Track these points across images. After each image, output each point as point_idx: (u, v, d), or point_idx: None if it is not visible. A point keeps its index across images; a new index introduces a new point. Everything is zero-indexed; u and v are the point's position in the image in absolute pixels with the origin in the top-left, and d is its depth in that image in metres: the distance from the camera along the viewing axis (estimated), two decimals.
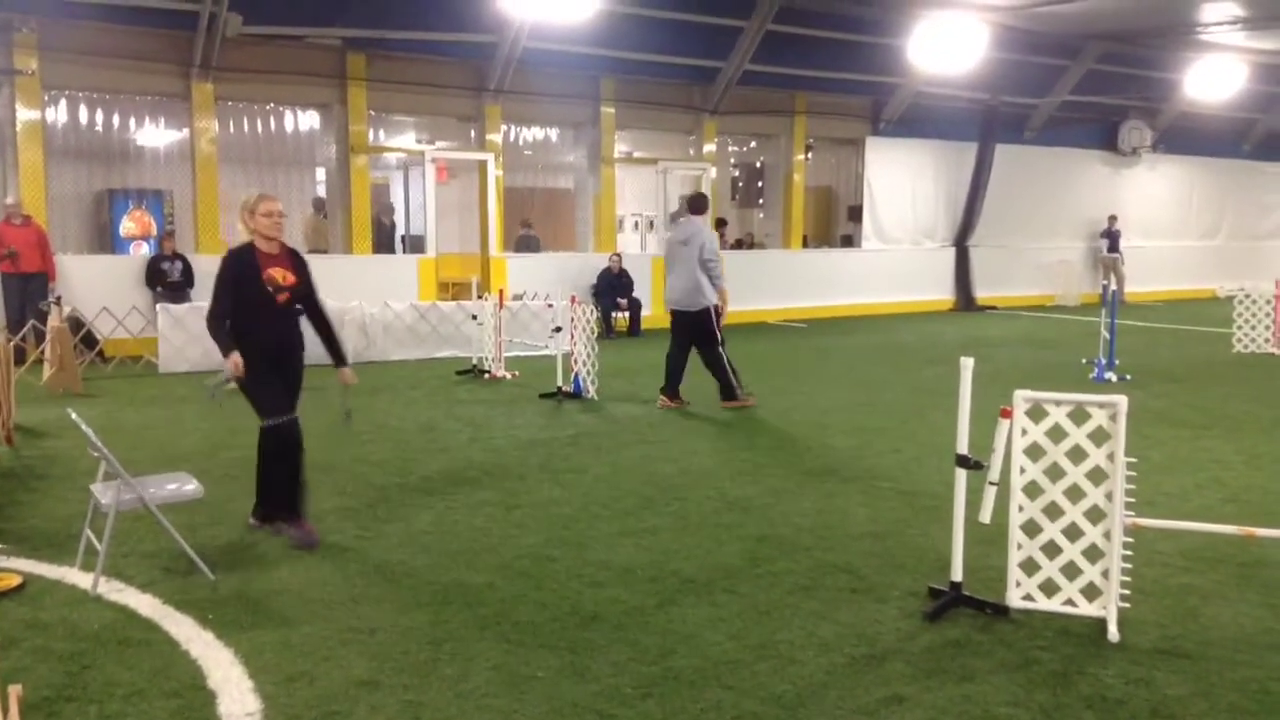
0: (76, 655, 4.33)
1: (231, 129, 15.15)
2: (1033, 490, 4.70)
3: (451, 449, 8.27)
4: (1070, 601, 4.67)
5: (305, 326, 6.04)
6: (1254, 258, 25.29)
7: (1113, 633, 4.50)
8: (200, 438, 8.64)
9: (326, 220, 16.27)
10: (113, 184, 14.76)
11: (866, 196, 20.29)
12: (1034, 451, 4.67)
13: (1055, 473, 4.65)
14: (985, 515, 4.67)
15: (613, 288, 16.61)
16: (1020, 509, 4.71)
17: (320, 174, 16.64)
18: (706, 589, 5.12)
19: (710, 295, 9.83)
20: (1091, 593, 4.64)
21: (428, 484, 7.16)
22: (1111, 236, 22.78)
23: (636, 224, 20.84)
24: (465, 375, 12.14)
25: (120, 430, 8.80)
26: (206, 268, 13.61)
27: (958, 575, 4.83)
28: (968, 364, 4.68)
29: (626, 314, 16.70)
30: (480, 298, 12.86)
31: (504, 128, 16.81)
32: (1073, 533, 4.65)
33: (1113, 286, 13.57)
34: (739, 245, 20.12)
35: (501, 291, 12.68)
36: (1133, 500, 4.60)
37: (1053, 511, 4.68)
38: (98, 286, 13.10)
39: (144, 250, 14.54)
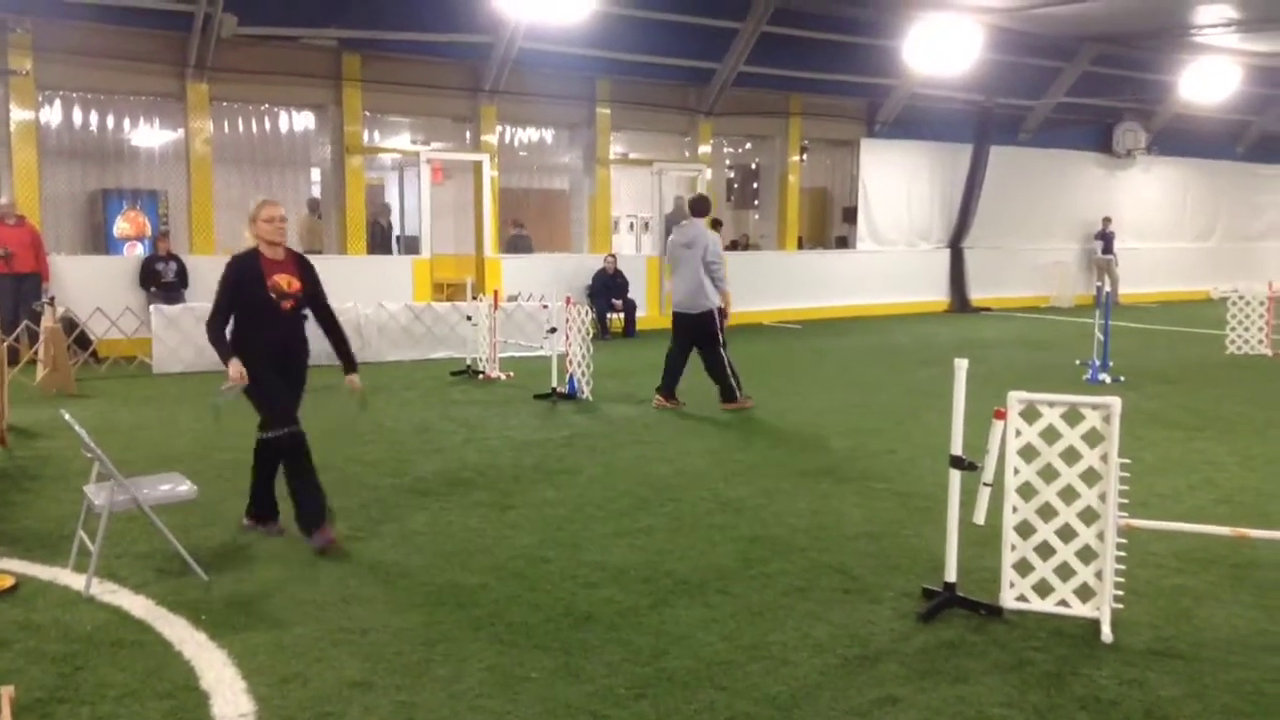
0: (69, 656, 4.32)
1: (226, 129, 15.12)
2: (1026, 491, 4.71)
3: (446, 450, 8.26)
4: (1064, 602, 4.68)
5: (311, 332, 5.97)
6: (1247, 259, 25.36)
7: (1106, 633, 4.50)
8: (193, 439, 8.63)
9: (321, 221, 16.25)
10: (107, 184, 14.73)
11: (861, 198, 20.31)
12: (1028, 452, 4.67)
13: (1049, 474, 4.65)
14: (979, 516, 4.68)
15: (608, 289, 16.61)
16: (1014, 510, 4.71)
17: (315, 175, 16.62)
18: (700, 590, 5.12)
19: (714, 297, 9.85)
20: (1085, 593, 4.64)
21: (422, 484, 7.15)
22: (1106, 238, 22.82)
23: (631, 225, 20.84)
24: (460, 376, 12.13)
25: (114, 431, 8.78)
26: (201, 268, 13.65)
27: (952, 576, 4.84)
28: (962, 365, 4.69)
29: (621, 315, 16.70)
30: (475, 298, 12.85)
31: (499, 128, 16.80)
32: (1066, 534, 4.65)
33: (1107, 288, 13.58)
34: (734, 246, 20.09)
35: (496, 292, 12.67)
36: (1126, 501, 4.60)
37: (1046, 512, 4.69)
38: (92, 287, 13.07)
39: (138, 251, 14.51)
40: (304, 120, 15.81)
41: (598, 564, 5.49)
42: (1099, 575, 4.58)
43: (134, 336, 12.60)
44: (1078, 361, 12.78)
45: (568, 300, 10.88)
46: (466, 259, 16.86)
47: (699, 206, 10.29)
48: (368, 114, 15.73)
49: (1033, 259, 22.42)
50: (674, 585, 5.19)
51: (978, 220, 21.25)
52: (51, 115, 13.99)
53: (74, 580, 5.19)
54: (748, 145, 20.67)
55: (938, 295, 21.40)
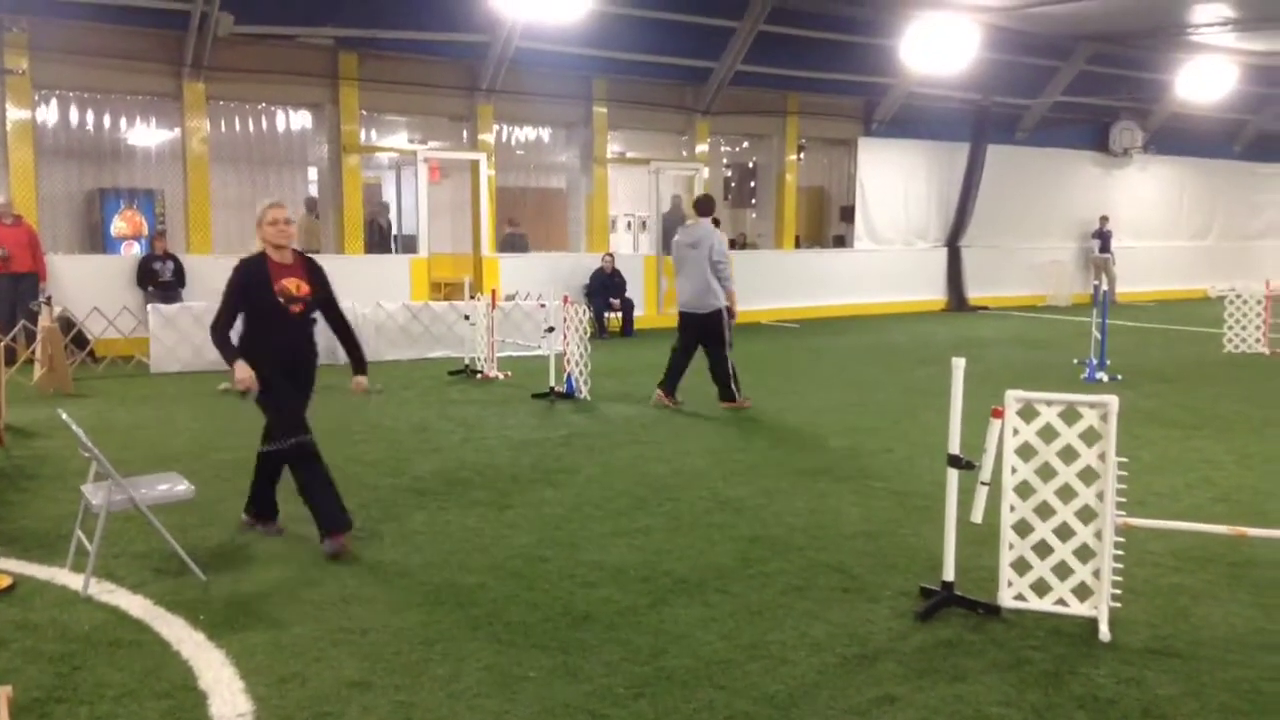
0: (67, 656, 4.31)
1: (223, 128, 15.12)
2: (1024, 490, 4.71)
3: (444, 449, 8.26)
4: (1062, 601, 4.68)
5: (320, 335, 5.88)
6: (1244, 258, 25.39)
7: (1104, 632, 4.51)
8: (191, 438, 8.62)
9: (319, 220, 16.24)
10: (104, 184, 14.72)
11: (859, 197, 20.32)
12: (1025, 451, 4.67)
13: (1046, 472, 4.66)
14: (977, 515, 4.68)
15: (605, 288, 16.61)
16: (1012, 509, 4.72)
17: (312, 174, 16.62)
18: (699, 589, 5.13)
19: (721, 297, 9.86)
20: (1083, 592, 4.65)
21: (420, 484, 7.15)
22: (1103, 237, 22.85)
23: (629, 224, 20.84)
24: (458, 375, 12.12)
25: (111, 430, 8.77)
26: (198, 268, 13.65)
27: (949, 575, 4.84)
28: (959, 364, 4.69)
29: (619, 314, 16.70)
30: (473, 298, 12.85)
31: (496, 127, 16.80)
32: (1064, 532, 4.66)
33: (1104, 287, 13.57)
34: (731, 246, 20.02)
35: (494, 291, 12.66)
36: (1124, 500, 4.61)
37: (1044, 511, 4.69)
38: (89, 286, 13.05)
39: (135, 250, 14.49)
40: (301, 119, 15.81)
41: (596, 563, 5.49)
42: (1097, 574, 4.59)
43: (131, 336, 12.59)
44: (1075, 360, 12.80)
45: (565, 299, 10.88)
46: (464, 258, 16.85)
47: (704, 206, 10.29)
48: (364, 113, 15.72)
49: (1030, 258, 22.44)
50: (672, 584, 5.19)
51: (975, 219, 21.27)
52: (48, 114, 13.99)
53: (72, 580, 5.18)
54: (745, 144, 20.68)
55: (935, 294, 21.42)
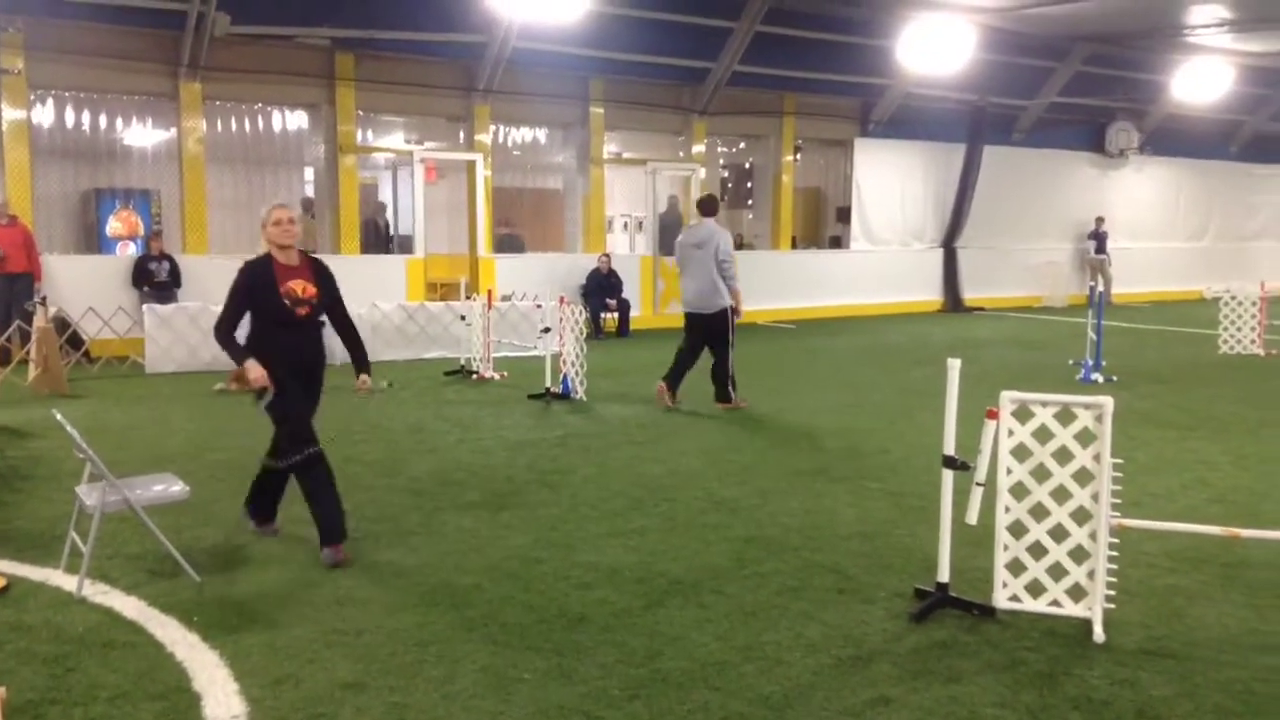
0: (61, 658, 4.31)
1: (219, 129, 15.11)
2: (1019, 491, 4.72)
3: (440, 450, 8.26)
4: (1056, 602, 4.68)
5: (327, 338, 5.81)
6: (1240, 259, 25.42)
7: (1098, 633, 4.51)
8: (186, 439, 8.61)
9: (315, 220, 16.22)
10: (99, 184, 14.70)
11: (855, 197, 20.33)
12: (1020, 452, 4.68)
13: (1042, 474, 4.66)
14: (972, 516, 4.68)
15: (601, 288, 16.61)
16: (1007, 510, 4.72)
17: (309, 174, 16.60)
18: (694, 590, 5.13)
19: (727, 296, 9.87)
20: (1077, 593, 4.65)
21: (415, 485, 7.14)
22: (1099, 238, 22.87)
23: (625, 225, 20.84)
24: (453, 376, 12.12)
25: (106, 431, 8.76)
26: (193, 268, 13.63)
27: (944, 576, 4.84)
28: (955, 365, 4.70)
29: (615, 315, 16.70)
30: (469, 298, 12.84)
31: (493, 128, 16.79)
32: (1059, 533, 4.66)
33: (1100, 288, 13.62)
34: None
35: (490, 292, 12.66)
36: (1119, 501, 4.61)
37: (1039, 512, 4.70)
38: (84, 287, 13.04)
39: (131, 250, 14.48)
40: (297, 119, 15.80)
41: (591, 565, 5.49)
42: (1091, 575, 4.59)
43: (126, 336, 12.58)
44: (1071, 361, 12.81)
45: (562, 300, 10.88)
46: (460, 258, 16.85)
47: (707, 206, 10.30)
48: (361, 113, 15.71)
49: (1026, 259, 22.46)
50: (668, 586, 5.19)
51: (971, 220, 21.28)
52: (44, 114, 13.97)
53: (66, 581, 5.17)
54: (742, 145, 20.68)
55: (931, 295, 21.43)
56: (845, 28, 17.76)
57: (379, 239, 17.54)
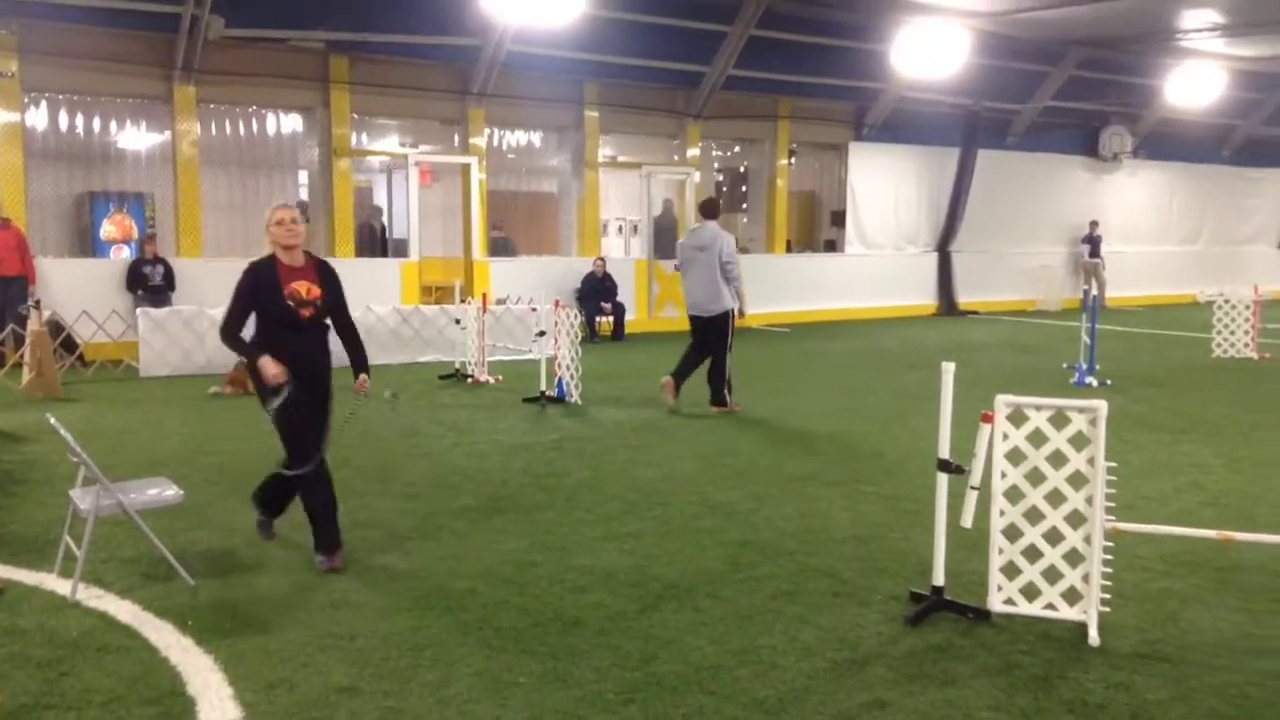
0: (55, 662, 4.29)
1: (213, 132, 15.08)
2: (1014, 495, 4.72)
3: (434, 454, 8.25)
4: (1051, 606, 4.69)
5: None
6: (1233, 263, 25.48)
7: (1093, 637, 4.52)
8: (180, 442, 8.59)
9: (309, 223, 16.20)
10: (93, 187, 14.67)
11: (849, 201, 20.35)
12: (1015, 456, 4.68)
13: (1036, 477, 4.67)
14: (966, 519, 4.69)
15: (596, 292, 16.60)
16: (1001, 513, 4.73)
17: (303, 177, 16.58)
18: (689, 594, 5.12)
19: (730, 298, 9.88)
20: (1072, 597, 4.66)
21: (410, 489, 7.13)
22: (1093, 242, 22.92)
23: (620, 228, 20.83)
24: (448, 380, 12.10)
25: (100, 435, 8.73)
26: (188, 271, 13.60)
27: (939, 579, 4.84)
28: (949, 369, 4.70)
29: (610, 318, 16.69)
30: (463, 301, 12.83)
31: (487, 131, 16.79)
32: (1053, 537, 4.67)
33: (1094, 291, 13.63)
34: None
35: (485, 295, 12.65)
36: (1113, 505, 4.62)
37: (1033, 516, 4.70)
38: (78, 290, 13.01)
39: (125, 254, 14.45)
40: (291, 123, 15.77)
41: (586, 568, 5.49)
42: (1086, 578, 4.60)
43: (120, 340, 12.53)
44: (1065, 365, 12.82)
45: (556, 303, 10.88)
46: (455, 262, 16.83)
47: (709, 209, 10.32)
48: (355, 116, 15.70)
49: (1020, 262, 22.50)
50: (663, 589, 5.19)
51: (965, 224, 21.31)
52: (37, 117, 13.94)
53: (59, 585, 5.16)
54: (736, 148, 20.70)
55: (925, 299, 21.45)
56: (839, 32, 17.80)
57: (375, 243, 17.53)
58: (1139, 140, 23.65)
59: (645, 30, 16.29)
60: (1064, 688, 4.10)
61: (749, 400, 10.34)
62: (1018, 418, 4.65)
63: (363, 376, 5.72)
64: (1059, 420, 4.61)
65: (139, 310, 12.57)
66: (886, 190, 20.67)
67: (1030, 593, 4.73)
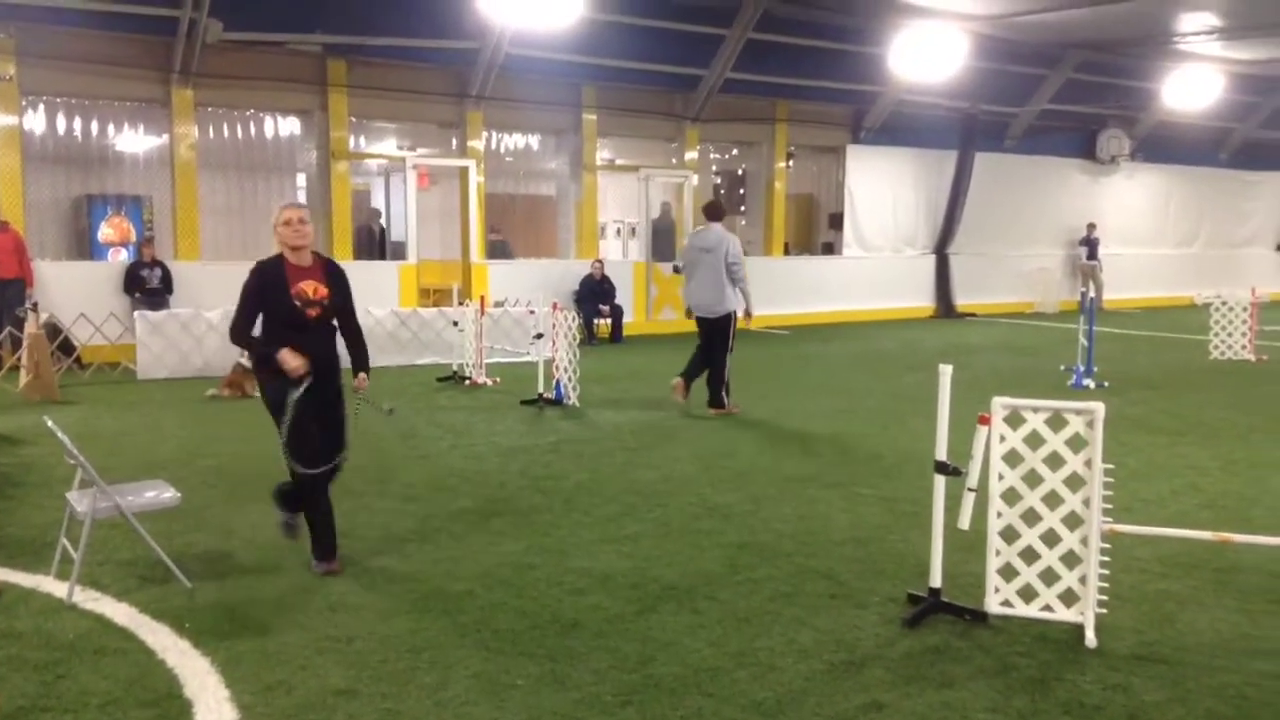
0: (51, 664, 4.29)
1: (211, 135, 15.08)
2: (1011, 496, 4.73)
3: (432, 456, 8.24)
4: (1048, 607, 4.69)
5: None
6: (1231, 265, 25.53)
7: (1090, 638, 4.52)
8: (178, 445, 8.59)
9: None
10: (91, 190, 14.66)
11: (847, 204, 20.38)
12: (1012, 458, 4.69)
13: (1033, 479, 4.67)
14: (964, 521, 4.69)
15: (594, 294, 16.61)
16: (999, 515, 4.73)
17: (301, 180, 16.56)
18: (687, 596, 5.12)
19: (734, 300, 9.89)
20: (1069, 598, 4.66)
21: (408, 491, 7.13)
22: (1090, 244, 22.94)
23: (619, 231, 20.84)
24: (446, 382, 12.10)
25: (97, 437, 8.73)
26: (185, 274, 13.60)
27: (937, 581, 4.85)
28: (947, 371, 4.70)
29: (608, 320, 16.69)
30: (461, 304, 12.83)
31: (485, 134, 16.80)
32: (1051, 539, 4.67)
33: (1091, 294, 13.64)
34: None
35: (483, 298, 12.66)
36: (1110, 506, 4.62)
37: (1031, 518, 4.71)
38: (75, 293, 13.01)
39: (122, 257, 14.43)
40: (289, 126, 15.77)
41: (584, 570, 5.49)
42: (1083, 580, 4.60)
43: (118, 343, 12.54)
44: (1062, 367, 12.83)
45: (555, 306, 10.88)
46: (453, 264, 16.84)
47: (713, 211, 10.36)
48: (353, 119, 15.71)
49: (1018, 265, 22.52)
50: (661, 591, 5.19)
51: (963, 226, 21.33)
52: (35, 120, 13.93)
53: (56, 588, 5.15)
54: (734, 151, 20.71)
55: (923, 301, 21.46)
56: (837, 35, 17.81)
57: (373, 245, 17.53)
58: (1136, 143, 23.69)
59: (643, 33, 16.31)
60: (1061, 689, 4.10)
61: (747, 402, 10.34)
62: (1015, 420, 4.66)
63: (362, 375, 5.69)
64: (1056, 422, 4.61)
65: (136, 313, 12.56)
66: (884, 193, 20.69)
67: (1027, 594, 4.73)
